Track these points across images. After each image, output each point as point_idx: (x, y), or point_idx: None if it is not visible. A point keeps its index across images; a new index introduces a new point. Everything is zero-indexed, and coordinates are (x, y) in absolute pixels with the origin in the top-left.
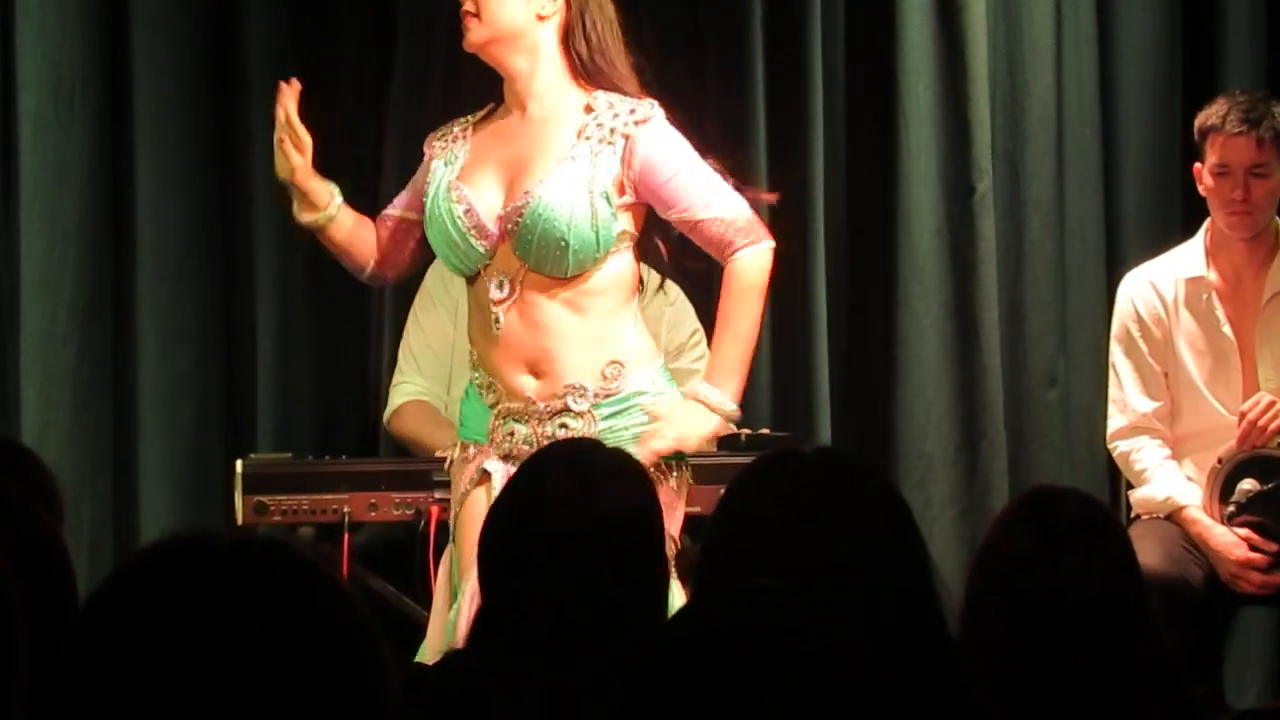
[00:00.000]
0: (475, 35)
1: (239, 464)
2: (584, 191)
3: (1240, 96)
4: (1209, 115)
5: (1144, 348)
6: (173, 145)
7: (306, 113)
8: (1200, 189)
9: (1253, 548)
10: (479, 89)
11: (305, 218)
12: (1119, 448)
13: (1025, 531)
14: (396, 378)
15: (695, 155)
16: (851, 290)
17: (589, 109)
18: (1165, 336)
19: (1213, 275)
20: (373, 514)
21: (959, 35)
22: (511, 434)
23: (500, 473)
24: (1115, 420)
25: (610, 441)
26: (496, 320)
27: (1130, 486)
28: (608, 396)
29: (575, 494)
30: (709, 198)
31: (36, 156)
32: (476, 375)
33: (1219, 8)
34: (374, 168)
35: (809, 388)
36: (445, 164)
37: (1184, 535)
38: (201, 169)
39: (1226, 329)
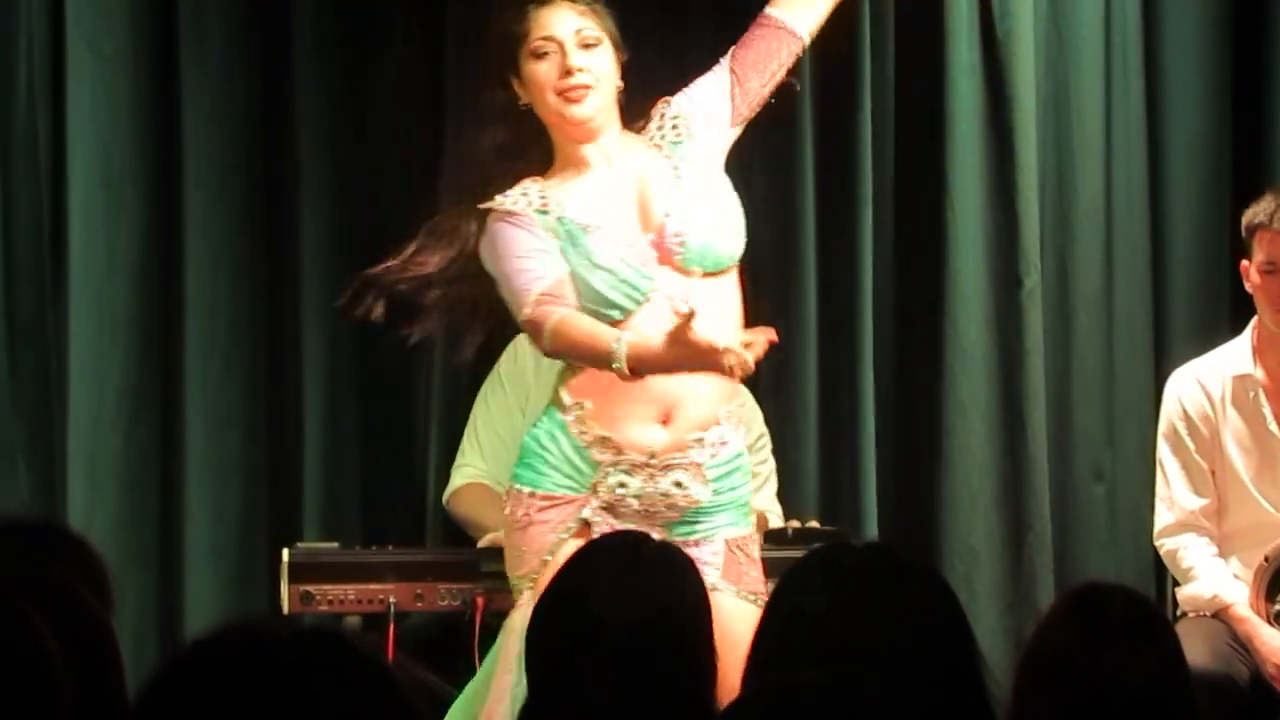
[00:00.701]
0: (593, 105)
1: (285, 552)
2: (706, 174)
3: None
4: (1256, 212)
5: (1191, 445)
6: (221, 232)
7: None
8: (1247, 286)
9: None
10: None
11: None
12: (1166, 545)
13: (1073, 627)
14: (459, 459)
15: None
16: (899, 381)
17: (643, 130)
18: (1212, 434)
19: (1260, 373)
20: (419, 604)
21: (1008, 128)
22: (622, 485)
23: (603, 523)
24: (1162, 517)
25: (717, 508)
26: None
27: (1177, 583)
28: (721, 447)
29: (623, 586)
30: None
31: (86, 244)
32: (584, 430)
33: (1268, 105)
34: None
35: (856, 479)
36: (559, 221)
37: (1231, 633)
38: (250, 255)
39: (1273, 426)
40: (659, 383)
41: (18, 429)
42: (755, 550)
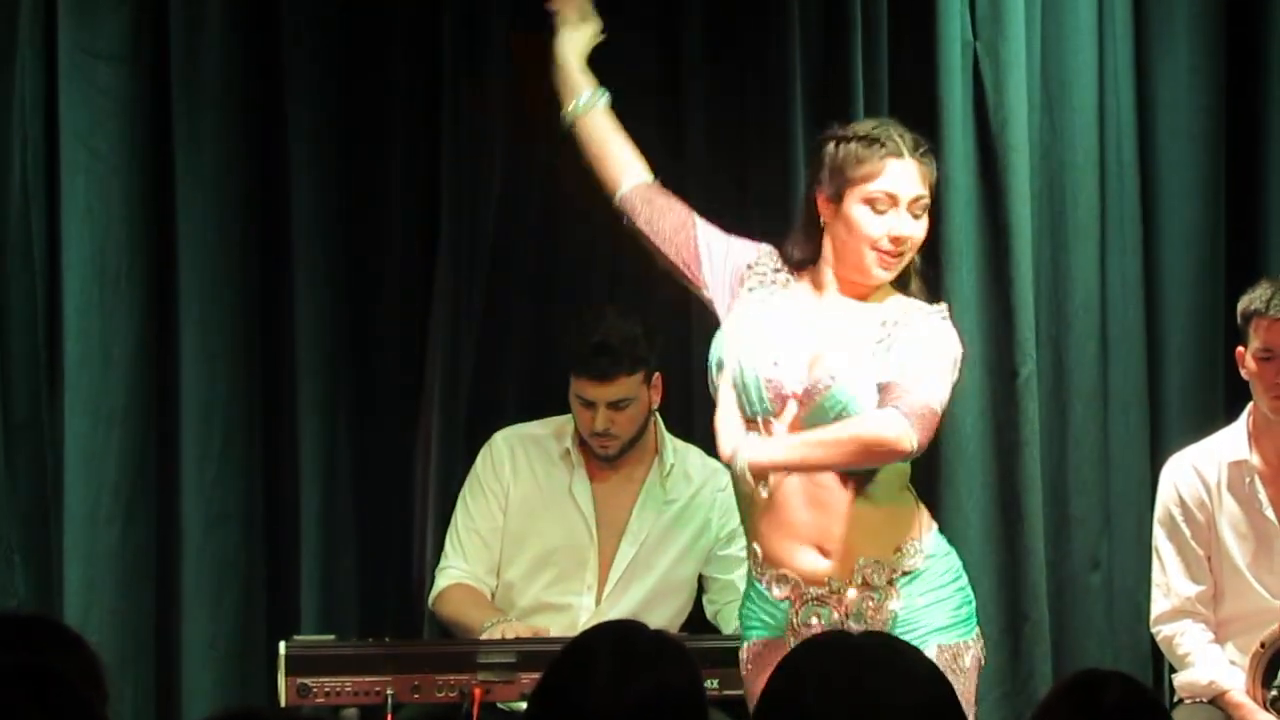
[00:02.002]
0: (898, 269)
1: (282, 645)
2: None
3: None
4: (1252, 299)
5: (1187, 531)
6: (216, 327)
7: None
8: (1243, 373)
9: None
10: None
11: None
12: (1162, 631)
13: (1071, 715)
14: (442, 562)
15: None
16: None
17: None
18: (1208, 520)
19: (1256, 459)
20: (416, 695)
21: (1003, 217)
22: (816, 617)
23: None
24: (1159, 604)
25: (921, 611)
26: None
27: (1174, 670)
28: (910, 566)
29: (618, 675)
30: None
31: (81, 339)
32: (761, 573)
33: (1262, 193)
34: (418, 379)
35: None
36: (759, 297)
37: (1227, 719)
38: (245, 349)
39: (1269, 512)
40: (800, 518)
41: (13, 525)
42: (969, 660)
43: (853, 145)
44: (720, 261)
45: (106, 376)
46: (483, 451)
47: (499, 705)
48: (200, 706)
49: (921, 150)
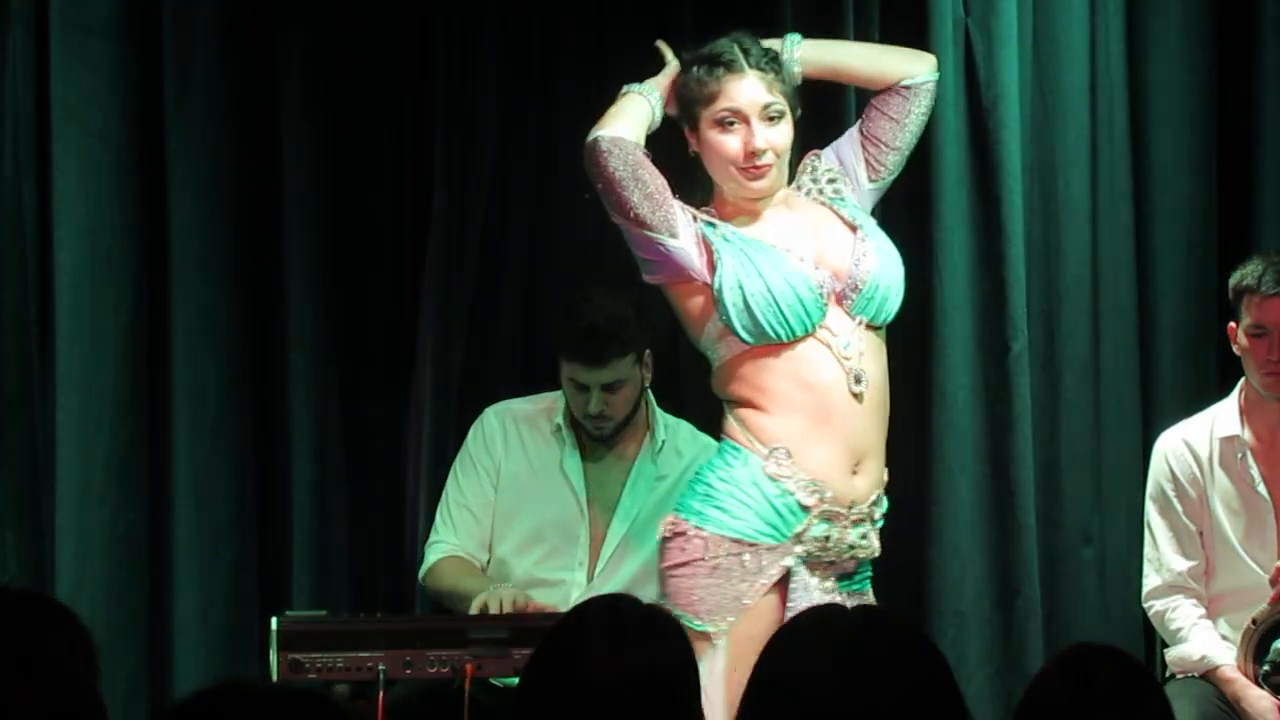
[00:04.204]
0: (771, 179)
1: (274, 621)
2: (880, 232)
3: (1275, 256)
4: (1244, 276)
5: (1179, 507)
6: (208, 304)
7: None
8: (1235, 348)
9: None
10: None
11: None
12: (1154, 607)
13: (1064, 690)
14: (432, 536)
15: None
16: (888, 447)
17: (798, 187)
18: (1200, 496)
19: (1247, 434)
20: (408, 671)
21: (995, 195)
22: (827, 537)
23: (803, 576)
24: (1150, 579)
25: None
26: (858, 379)
27: (1165, 645)
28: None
29: (611, 648)
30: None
31: (73, 317)
32: (787, 476)
33: (1254, 169)
34: (409, 355)
35: None
36: (727, 235)
37: (1218, 694)
38: (238, 328)
39: (1261, 488)
40: (855, 433)
41: (5, 503)
42: None
43: (694, 71)
44: (676, 207)
45: (98, 353)
46: (474, 427)
47: (491, 681)
48: (192, 682)
49: (764, 59)
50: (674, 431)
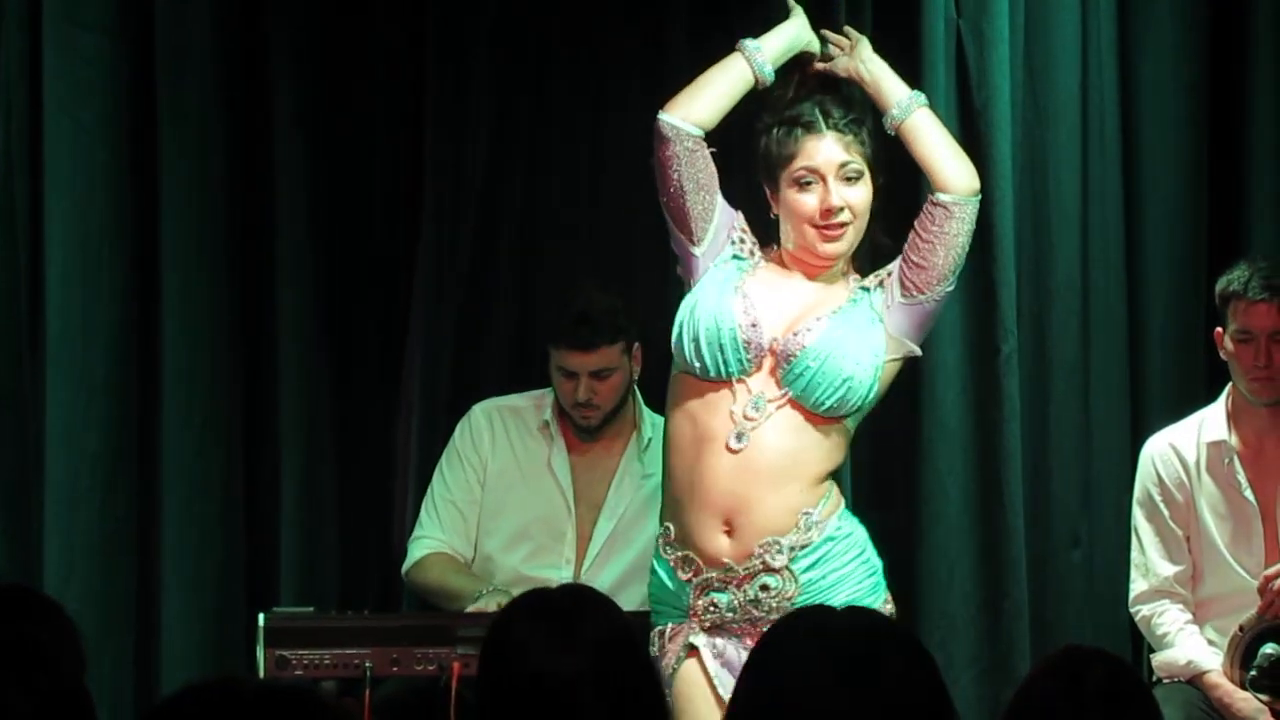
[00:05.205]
0: (847, 242)
1: (261, 618)
2: (864, 331)
3: (1261, 262)
4: (1231, 281)
5: (1165, 512)
6: (198, 299)
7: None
8: (1222, 354)
9: (1275, 713)
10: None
11: None
12: (1141, 611)
13: (1054, 692)
14: (417, 531)
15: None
16: (876, 448)
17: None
18: (1187, 500)
19: (1235, 439)
20: (395, 669)
21: (986, 196)
22: (713, 605)
23: (706, 645)
24: (1137, 584)
25: (812, 595)
26: (739, 436)
27: (1152, 649)
28: (803, 548)
29: (556, 634)
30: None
31: (63, 310)
32: (669, 550)
33: (1243, 174)
34: (399, 354)
35: None
36: (738, 263)
37: (1204, 699)
38: (227, 322)
39: (1248, 493)
40: (722, 489)
41: None
42: None
43: (774, 133)
44: (721, 228)
45: (88, 348)
46: (461, 423)
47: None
48: (179, 677)
49: (844, 121)
50: (660, 430)
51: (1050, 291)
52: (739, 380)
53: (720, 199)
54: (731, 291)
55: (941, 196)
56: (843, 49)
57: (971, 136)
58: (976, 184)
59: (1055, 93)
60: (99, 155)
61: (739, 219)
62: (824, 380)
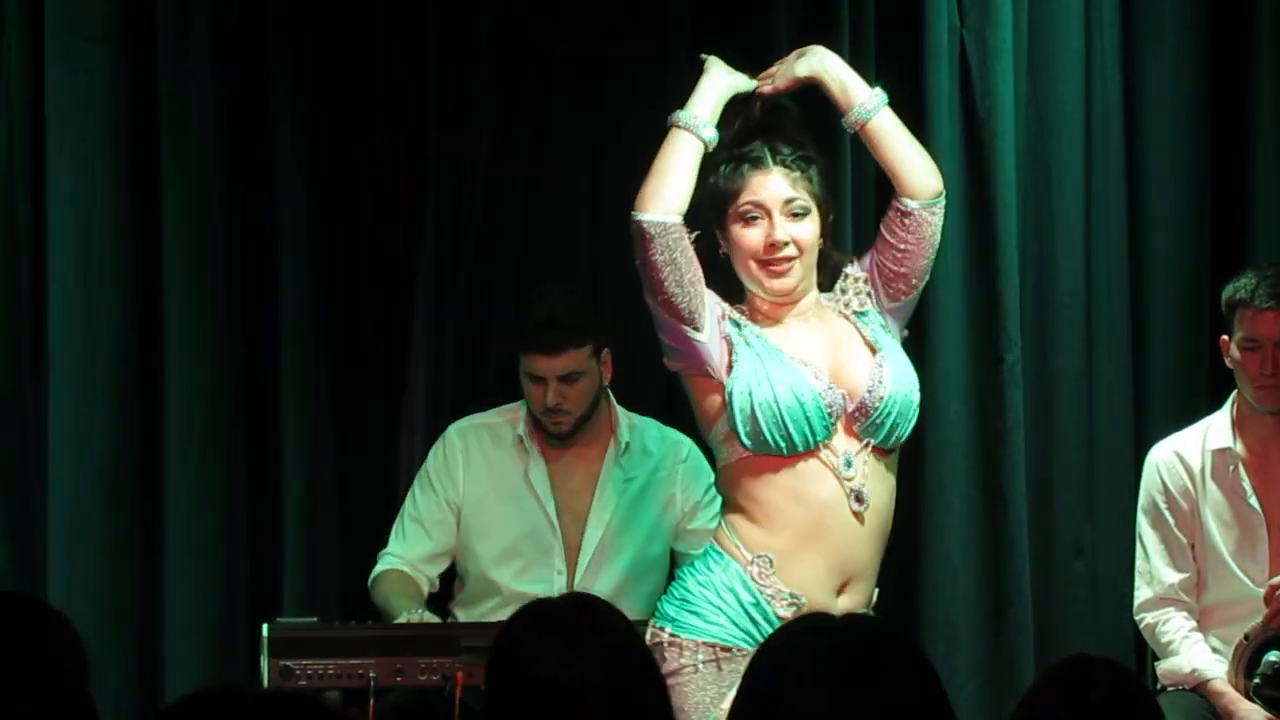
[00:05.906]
0: (794, 278)
1: (265, 627)
2: (899, 353)
3: (1268, 270)
4: (1237, 289)
5: (1170, 520)
6: (200, 309)
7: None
8: (1227, 361)
9: None
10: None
11: None
12: (1145, 619)
13: (1058, 702)
14: (385, 548)
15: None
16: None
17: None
18: (1192, 508)
19: (1240, 447)
20: (399, 679)
21: (990, 206)
22: None
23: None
24: (1142, 592)
25: None
26: (859, 498)
27: (1156, 657)
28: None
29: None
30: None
31: (66, 320)
32: (772, 582)
33: (1248, 182)
34: (401, 365)
35: None
36: (737, 329)
37: (1209, 707)
38: (229, 332)
39: (1253, 500)
40: (848, 553)
41: None
42: None
43: (721, 169)
44: (712, 306)
45: (91, 357)
46: (436, 445)
47: (482, 689)
48: (182, 686)
49: (792, 157)
50: (641, 431)
51: (1054, 300)
52: (824, 446)
53: (702, 278)
54: (781, 361)
55: (911, 204)
56: (771, 77)
57: (975, 145)
58: (941, 183)
59: (1058, 102)
60: (100, 165)
61: (717, 297)
62: (904, 418)
